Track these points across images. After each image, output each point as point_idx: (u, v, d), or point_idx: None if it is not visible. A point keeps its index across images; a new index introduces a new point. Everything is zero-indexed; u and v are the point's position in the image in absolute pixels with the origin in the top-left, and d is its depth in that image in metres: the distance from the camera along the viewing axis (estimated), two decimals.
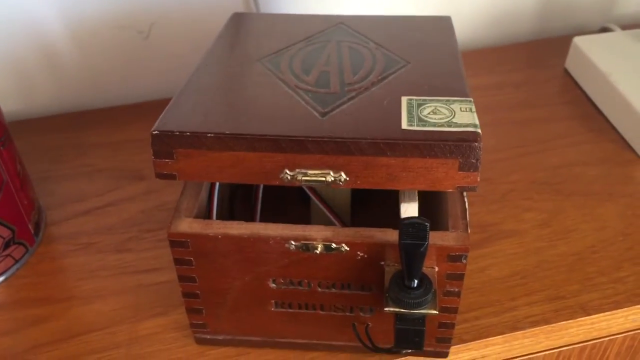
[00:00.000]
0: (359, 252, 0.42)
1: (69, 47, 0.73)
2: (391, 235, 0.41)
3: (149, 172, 0.67)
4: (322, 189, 0.48)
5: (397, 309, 0.40)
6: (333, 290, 0.44)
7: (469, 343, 0.49)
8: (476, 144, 0.37)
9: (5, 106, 0.58)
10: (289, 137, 0.38)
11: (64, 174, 0.67)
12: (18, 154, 0.57)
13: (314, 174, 0.39)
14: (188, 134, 0.39)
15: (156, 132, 0.39)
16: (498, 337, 0.49)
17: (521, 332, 0.50)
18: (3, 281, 0.55)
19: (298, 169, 0.39)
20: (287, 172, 0.39)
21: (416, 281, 0.39)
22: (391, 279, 0.40)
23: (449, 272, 0.42)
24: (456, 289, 0.43)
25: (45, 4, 0.70)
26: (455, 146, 0.37)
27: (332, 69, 0.47)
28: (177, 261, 0.43)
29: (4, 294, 0.54)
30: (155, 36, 0.75)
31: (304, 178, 0.39)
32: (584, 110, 0.73)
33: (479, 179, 0.38)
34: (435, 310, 0.39)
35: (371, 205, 0.54)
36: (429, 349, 0.47)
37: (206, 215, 0.47)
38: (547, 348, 0.52)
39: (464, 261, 0.41)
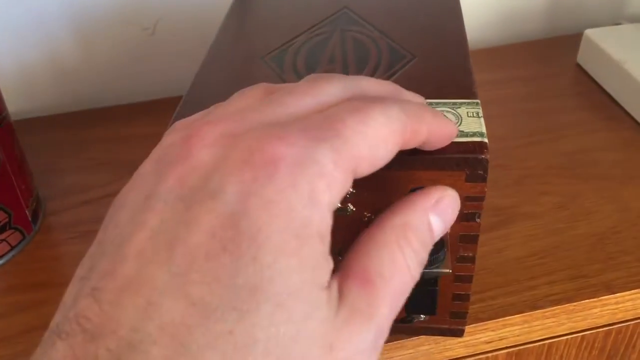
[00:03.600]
0: (365, 213, 0.39)
1: (72, 44, 0.73)
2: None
3: None
4: None
5: None
6: (338, 258, 0.42)
7: (485, 322, 0.46)
8: (482, 156, 0.36)
9: (9, 104, 0.57)
10: None
11: (65, 167, 0.66)
12: (17, 137, 0.56)
13: None
14: None
15: None
16: (517, 316, 0.46)
17: (541, 311, 0.47)
18: None
19: None
20: None
21: None
22: None
23: (462, 233, 0.39)
24: (470, 254, 0.40)
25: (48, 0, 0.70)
26: (462, 159, 0.36)
27: (336, 66, 0.46)
28: None
29: None
30: (161, 33, 0.75)
31: None
32: (598, 100, 0.71)
33: (486, 189, 0.37)
34: (448, 269, 0.37)
35: None
36: (443, 325, 0.44)
37: None
38: (569, 331, 0.49)
39: (477, 220, 0.39)
